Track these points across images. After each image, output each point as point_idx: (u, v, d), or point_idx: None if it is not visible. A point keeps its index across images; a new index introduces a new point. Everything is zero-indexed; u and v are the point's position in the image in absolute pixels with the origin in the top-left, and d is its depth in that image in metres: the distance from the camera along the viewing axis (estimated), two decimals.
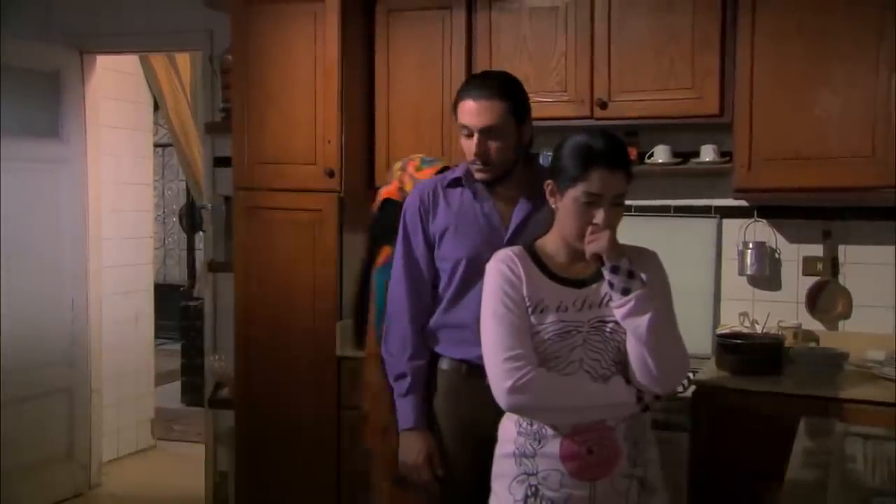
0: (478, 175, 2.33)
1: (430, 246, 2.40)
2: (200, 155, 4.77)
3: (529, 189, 2.34)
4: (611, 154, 1.90)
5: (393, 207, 2.63)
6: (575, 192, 1.90)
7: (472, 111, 2.28)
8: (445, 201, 2.39)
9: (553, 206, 1.97)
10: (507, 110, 2.29)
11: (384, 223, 2.66)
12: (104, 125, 4.89)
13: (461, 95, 2.32)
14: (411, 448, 2.36)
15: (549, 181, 1.96)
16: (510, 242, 2.25)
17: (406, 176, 2.74)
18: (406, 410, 2.38)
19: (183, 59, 5.24)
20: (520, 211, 2.34)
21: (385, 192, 2.77)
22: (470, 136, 2.28)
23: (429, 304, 2.41)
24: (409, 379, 2.38)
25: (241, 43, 3.67)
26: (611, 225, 1.91)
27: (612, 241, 1.89)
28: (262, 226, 3.64)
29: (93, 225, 4.72)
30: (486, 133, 2.28)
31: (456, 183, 2.40)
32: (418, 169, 2.75)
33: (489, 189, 2.35)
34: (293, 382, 3.60)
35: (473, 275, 2.25)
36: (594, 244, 1.89)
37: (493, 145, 2.28)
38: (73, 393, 4.63)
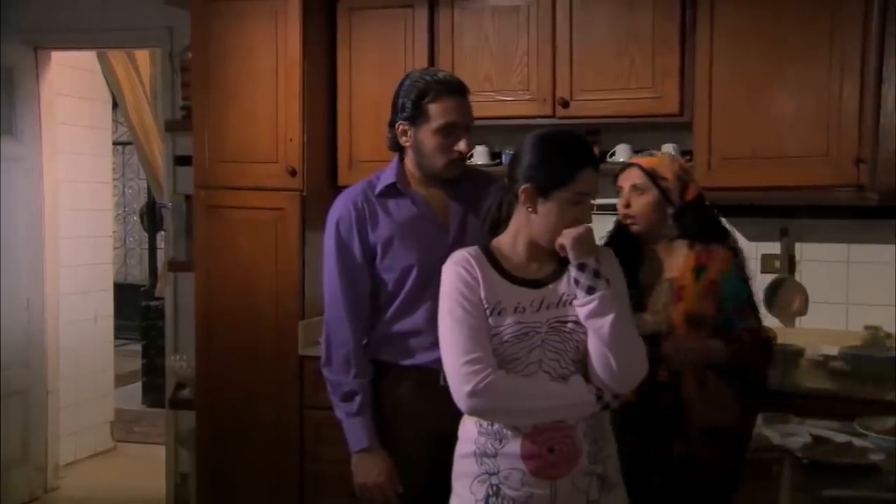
0: (451, 173, 2.29)
1: (368, 257, 2.33)
2: (161, 153, 4.74)
3: (457, 188, 2.34)
4: (593, 154, 1.96)
5: None
6: (566, 194, 1.90)
7: (460, 108, 2.26)
8: (382, 209, 2.33)
9: (526, 209, 1.94)
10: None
11: None
12: (61, 122, 4.82)
13: (439, 93, 2.24)
14: (370, 468, 2.31)
15: (526, 185, 1.93)
16: (454, 245, 2.21)
17: None
18: (358, 430, 2.32)
19: (142, 56, 5.17)
20: (456, 212, 2.33)
21: None
22: (451, 135, 2.25)
23: (367, 317, 2.36)
24: (359, 398, 2.32)
25: (201, 40, 3.65)
26: (588, 222, 1.94)
27: (589, 237, 1.91)
28: (223, 225, 3.62)
29: (50, 224, 4.65)
30: (468, 129, 2.29)
31: (389, 190, 2.35)
32: None
33: (423, 192, 2.34)
34: (255, 382, 3.59)
35: (425, 280, 2.24)
36: (572, 232, 1.89)
37: (470, 140, 2.31)
38: (29, 394, 4.56)
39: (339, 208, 2.37)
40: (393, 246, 2.31)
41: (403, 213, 2.33)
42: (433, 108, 2.25)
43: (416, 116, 2.27)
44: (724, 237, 2.49)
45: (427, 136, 2.27)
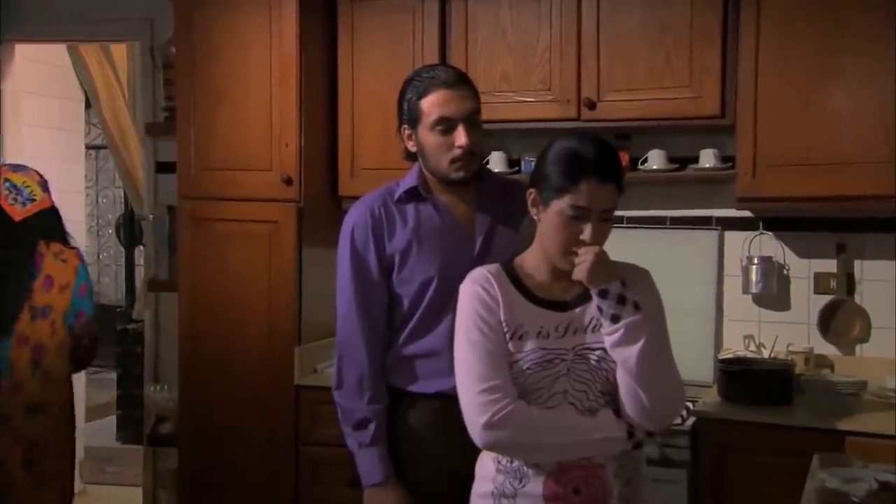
0: (459, 173, 2.34)
1: (385, 269, 2.37)
2: (140, 159, 4.78)
3: (483, 196, 2.39)
4: (601, 163, 1.91)
5: None
6: (560, 205, 1.92)
7: (453, 99, 2.31)
8: (401, 217, 2.38)
9: (535, 217, 2.00)
10: (477, 96, 2.38)
11: None
12: (26, 124, 4.87)
13: (429, 87, 2.33)
14: None
15: (532, 190, 1.99)
16: (480, 257, 2.28)
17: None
18: (372, 463, 2.35)
19: (119, 51, 5.24)
20: (483, 221, 2.37)
21: None
22: (449, 130, 2.31)
23: (384, 335, 2.40)
24: (373, 426, 2.35)
25: (185, 33, 3.71)
26: (598, 242, 1.93)
27: (600, 263, 1.92)
28: (210, 239, 3.68)
29: None
30: (470, 121, 2.32)
31: (411, 195, 2.40)
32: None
33: (446, 199, 2.39)
34: (246, 416, 3.62)
35: (445, 295, 2.27)
36: (580, 268, 1.91)
37: (475, 134, 2.33)
38: None
39: (355, 215, 2.43)
40: (411, 256, 2.36)
41: (424, 220, 2.38)
42: (425, 104, 2.33)
43: (414, 116, 2.36)
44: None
45: (426, 136, 2.34)
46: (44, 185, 3.24)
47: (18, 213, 3.11)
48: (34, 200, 3.16)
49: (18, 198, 3.13)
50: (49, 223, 3.20)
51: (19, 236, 3.08)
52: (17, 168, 3.26)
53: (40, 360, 3.04)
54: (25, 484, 2.99)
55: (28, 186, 3.18)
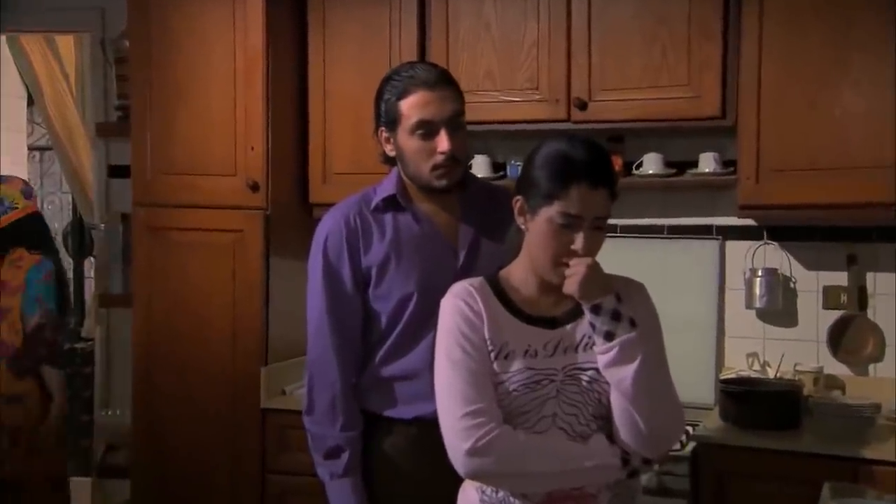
0: (441, 181, 2.35)
1: (360, 283, 2.39)
2: (90, 162, 4.78)
3: (467, 204, 2.42)
4: (593, 167, 1.93)
5: None
6: (549, 213, 1.93)
7: (434, 101, 2.32)
8: (378, 227, 2.40)
9: (522, 226, 2.02)
10: (460, 97, 2.39)
11: None
12: None
13: (408, 87, 2.34)
14: None
15: (518, 197, 2.01)
16: (463, 270, 2.30)
17: None
18: (345, 495, 2.37)
19: (66, 43, 5.22)
20: (466, 231, 2.39)
21: None
22: (430, 134, 2.32)
23: (358, 356, 2.41)
24: (346, 454, 2.36)
25: (140, 24, 3.72)
26: (591, 253, 1.95)
27: (593, 275, 1.93)
28: (168, 250, 3.69)
29: None
30: (452, 124, 2.33)
31: (389, 203, 2.43)
32: None
33: (426, 207, 2.41)
34: (206, 443, 3.63)
35: (426, 312, 2.28)
36: (571, 282, 1.93)
37: (458, 138, 2.34)
38: None
39: (329, 224, 2.43)
40: (389, 270, 2.37)
41: (403, 231, 2.40)
42: (404, 106, 2.33)
43: (393, 119, 2.37)
44: None
45: (405, 140, 2.35)
46: (27, 193, 3.94)
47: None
48: (16, 208, 3.83)
49: None
50: (27, 229, 3.91)
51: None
52: (0, 179, 3.93)
53: (8, 356, 3.83)
54: (16, 457, 3.81)
55: (9, 196, 3.85)
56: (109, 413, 4.19)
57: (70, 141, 5.31)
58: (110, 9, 4.20)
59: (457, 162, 2.35)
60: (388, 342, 2.39)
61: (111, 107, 4.28)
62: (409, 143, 2.35)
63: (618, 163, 3.41)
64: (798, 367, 3.43)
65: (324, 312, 2.40)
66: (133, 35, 3.76)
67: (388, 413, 2.39)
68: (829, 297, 3.54)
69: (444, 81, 2.36)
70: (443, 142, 2.31)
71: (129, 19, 3.77)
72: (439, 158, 2.32)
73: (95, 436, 4.37)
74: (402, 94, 2.34)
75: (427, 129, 2.32)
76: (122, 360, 4.09)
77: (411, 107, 2.33)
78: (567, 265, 1.94)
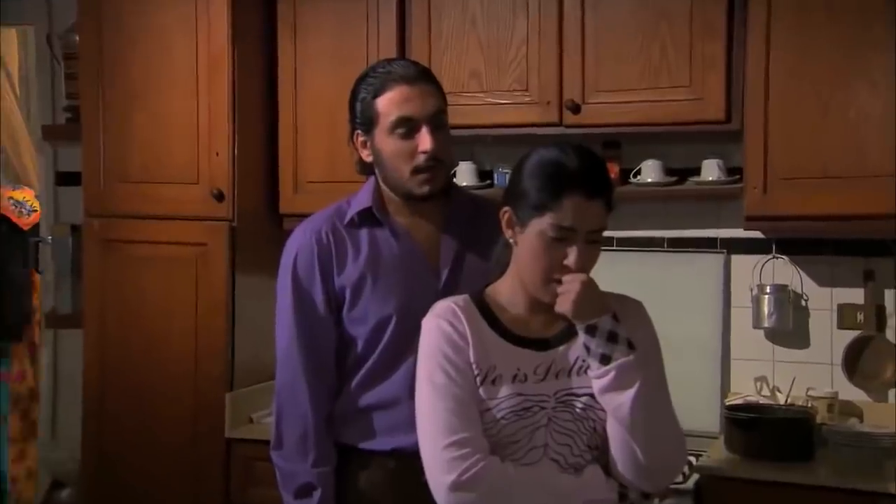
0: (423, 188, 2.34)
1: (333, 305, 2.38)
2: (35, 169, 4.77)
3: (450, 217, 2.41)
4: (588, 176, 1.94)
5: None
6: (540, 225, 1.94)
7: (414, 96, 2.31)
8: (353, 243, 2.39)
9: (510, 240, 2.03)
10: (443, 95, 2.39)
11: None
12: None
13: (385, 83, 2.33)
14: None
15: (506, 208, 2.02)
16: (446, 290, 2.29)
17: None
18: None
19: (8, 37, 5.20)
20: (449, 248, 2.39)
21: None
22: (410, 133, 2.31)
23: (332, 384, 2.40)
24: (318, 493, 2.34)
25: (92, 18, 3.73)
26: (585, 268, 1.96)
27: (587, 293, 1.94)
28: (123, 264, 3.70)
29: None
30: (434, 122, 2.32)
31: (364, 218, 2.41)
32: None
33: (405, 221, 2.40)
34: (166, 477, 3.62)
35: (405, 336, 2.26)
36: (564, 300, 1.94)
37: (441, 138, 2.33)
38: None
39: (299, 240, 2.43)
40: (365, 291, 2.36)
41: (380, 248, 2.39)
42: (381, 103, 2.33)
43: (369, 119, 2.36)
44: None
45: (383, 141, 2.34)
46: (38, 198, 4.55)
47: (25, 223, 4.55)
48: (35, 211, 4.54)
49: (23, 211, 4.54)
50: None
51: (27, 243, 4.49)
52: (15, 186, 4.64)
53: None
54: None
55: (28, 200, 4.56)
56: (55, 446, 4.16)
57: (12, 145, 5.26)
58: (58, 1, 4.19)
59: (440, 165, 2.34)
60: (365, 368, 2.38)
61: (59, 108, 4.27)
62: (387, 143, 2.33)
63: (614, 170, 3.43)
64: (811, 393, 3.44)
65: (293, 337, 2.39)
66: (83, 30, 3.77)
67: (365, 445, 2.38)
68: (845, 316, 3.56)
69: (424, 77, 2.37)
70: (425, 140, 2.29)
71: (79, 11, 3.78)
72: (421, 159, 2.31)
73: (39, 472, 4.33)
74: (379, 91, 2.33)
75: (407, 127, 2.30)
76: (70, 387, 4.07)
77: (389, 103, 2.31)
78: (559, 282, 1.95)
